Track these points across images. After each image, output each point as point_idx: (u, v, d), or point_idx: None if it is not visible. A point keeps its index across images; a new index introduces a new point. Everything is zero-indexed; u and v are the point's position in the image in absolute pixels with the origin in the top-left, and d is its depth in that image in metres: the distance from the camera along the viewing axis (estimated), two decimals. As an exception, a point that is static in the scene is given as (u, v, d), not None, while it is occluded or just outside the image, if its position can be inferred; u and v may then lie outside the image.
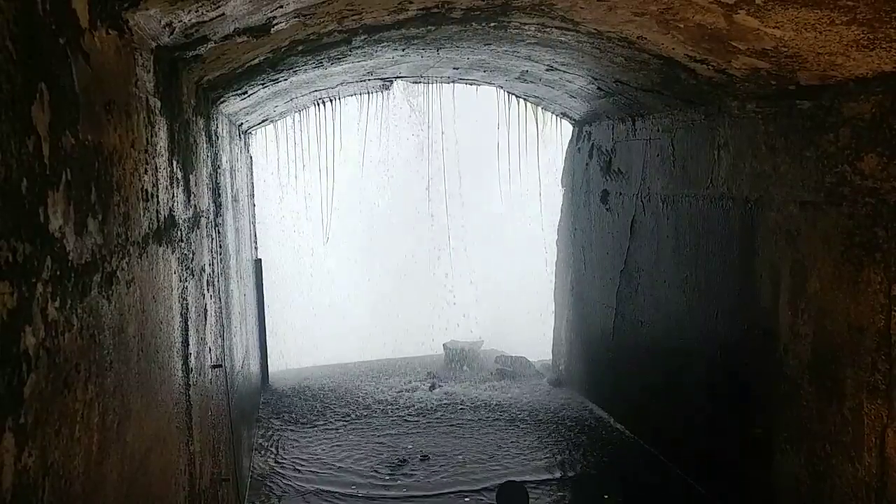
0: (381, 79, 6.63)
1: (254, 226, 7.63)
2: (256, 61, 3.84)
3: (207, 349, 3.59)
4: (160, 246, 2.46)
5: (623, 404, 6.41)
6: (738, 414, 4.58)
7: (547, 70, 5.66)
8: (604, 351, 6.83)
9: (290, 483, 5.47)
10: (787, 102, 3.99)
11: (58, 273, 1.37)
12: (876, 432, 3.38)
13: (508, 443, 6.22)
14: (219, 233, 4.35)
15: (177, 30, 2.46)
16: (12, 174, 1.17)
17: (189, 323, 3.02)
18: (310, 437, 6.42)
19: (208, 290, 3.72)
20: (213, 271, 3.99)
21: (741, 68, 3.91)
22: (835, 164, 3.64)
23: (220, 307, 4.19)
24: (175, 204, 2.81)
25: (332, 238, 8.58)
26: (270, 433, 6.51)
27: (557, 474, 5.59)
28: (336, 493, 5.30)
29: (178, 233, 2.86)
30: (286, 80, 4.92)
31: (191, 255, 3.16)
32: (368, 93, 7.11)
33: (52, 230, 1.35)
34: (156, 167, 2.44)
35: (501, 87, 7.23)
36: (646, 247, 5.88)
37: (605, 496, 5.21)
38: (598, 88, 5.75)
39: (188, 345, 2.98)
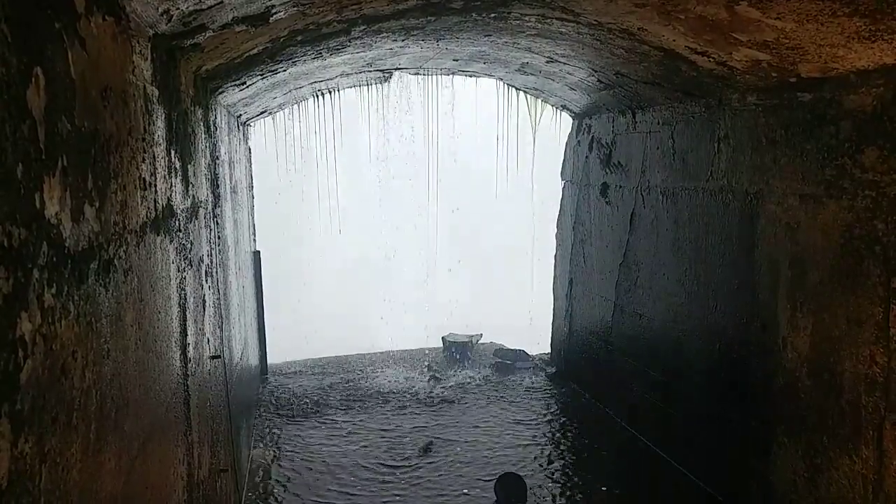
0: (381, 70, 6.60)
1: (253, 217, 7.62)
2: (255, 51, 3.82)
3: (206, 340, 3.58)
4: (158, 235, 2.45)
5: (621, 397, 6.41)
6: (736, 406, 4.59)
7: (547, 62, 5.64)
8: (603, 344, 6.83)
9: (290, 479, 5.47)
10: (787, 95, 3.98)
11: (54, 259, 1.36)
12: (874, 425, 3.38)
13: (507, 436, 6.23)
14: (217, 224, 4.34)
15: (174, 17, 2.45)
16: (7, 158, 1.16)
17: (187, 313, 3.02)
18: (309, 430, 6.42)
19: (207, 280, 3.71)
20: (212, 262, 3.98)
21: (742, 60, 3.89)
22: (835, 157, 3.63)
23: (218, 298, 4.19)
24: (173, 194, 2.80)
25: (328, 229, 8.58)
26: (268, 425, 6.52)
27: (555, 467, 5.61)
28: (337, 486, 5.30)
29: (176, 223, 2.85)
30: (285, 70, 4.90)
31: (189, 246, 3.15)
32: (368, 84, 7.09)
33: (48, 216, 1.34)
34: (153, 156, 2.43)
35: (501, 79, 7.21)
36: (645, 240, 5.87)
37: (604, 488, 5.22)
38: (599, 80, 5.73)
39: (186, 335, 2.97)
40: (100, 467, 1.65)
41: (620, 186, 6.34)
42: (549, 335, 8.56)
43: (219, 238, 4.39)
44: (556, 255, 8.30)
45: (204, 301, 3.57)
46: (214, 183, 4.27)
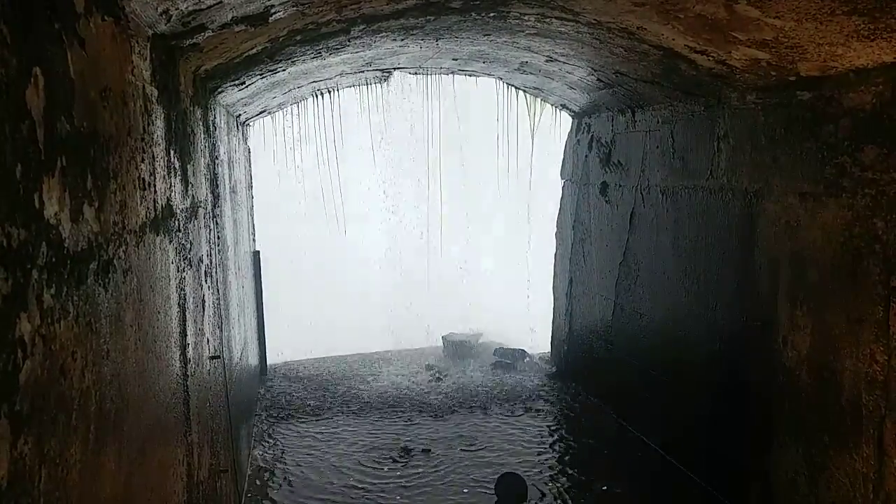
0: (380, 69, 6.60)
1: (252, 217, 7.61)
2: (255, 51, 3.81)
3: (205, 340, 3.58)
4: (157, 235, 2.45)
5: (622, 396, 6.41)
6: (736, 405, 4.59)
7: (546, 61, 5.64)
8: (603, 343, 6.83)
9: (291, 480, 5.47)
10: (787, 93, 3.97)
11: (53, 260, 1.36)
12: (874, 423, 3.38)
13: (508, 434, 6.23)
14: (217, 224, 4.34)
15: (174, 17, 2.44)
16: (6, 159, 1.16)
17: (187, 313, 3.01)
18: (309, 430, 6.42)
19: (206, 280, 3.71)
20: (212, 262, 3.98)
21: (741, 59, 3.89)
22: (835, 156, 3.62)
23: (218, 298, 4.18)
24: (172, 194, 2.80)
25: (329, 229, 8.58)
26: (268, 426, 6.51)
27: (555, 466, 5.61)
28: (338, 487, 5.30)
29: (176, 223, 2.85)
30: (284, 70, 4.90)
31: (188, 246, 3.15)
32: (367, 84, 7.09)
33: (47, 216, 1.34)
34: (153, 156, 2.43)
35: (501, 79, 7.21)
36: (645, 239, 5.87)
37: (604, 487, 5.22)
38: (598, 79, 5.73)
39: (186, 335, 2.97)
40: (99, 468, 1.65)
41: (620, 185, 6.34)
42: (549, 334, 8.56)
43: (218, 238, 4.39)
44: (555, 255, 8.30)
45: (203, 301, 3.56)
46: (214, 183, 4.27)
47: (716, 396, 4.82)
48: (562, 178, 8.01)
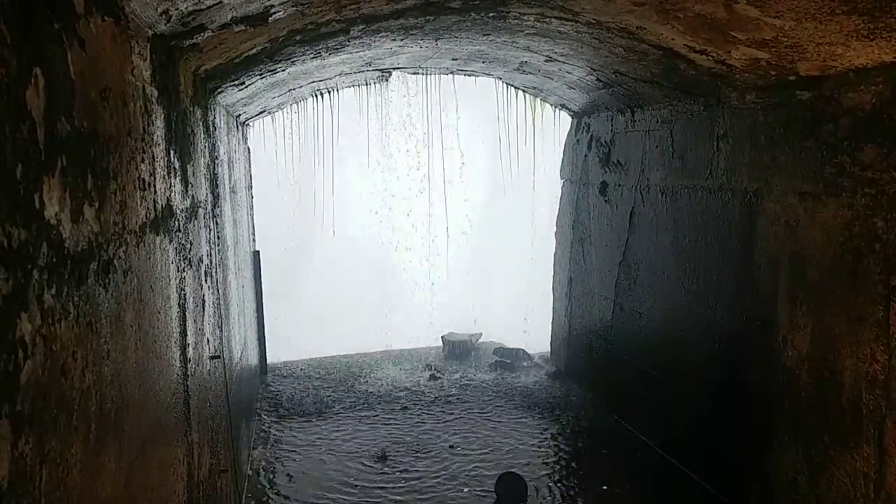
0: (380, 69, 6.60)
1: (252, 217, 7.61)
2: (254, 51, 3.82)
3: (206, 340, 3.58)
4: (157, 235, 2.45)
5: (622, 396, 6.41)
6: (736, 405, 4.59)
7: (546, 61, 5.64)
8: (603, 343, 6.83)
9: (291, 480, 5.47)
10: (786, 93, 3.98)
11: (54, 260, 1.36)
12: (874, 423, 3.39)
13: (507, 436, 6.23)
14: (217, 224, 4.34)
15: (174, 18, 2.44)
16: (7, 159, 1.16)
17: (187, 313, 3.01)
18: (309, 430, 6.42)
19: (206, 280, 3.71)
20: (212, 262, 3.98)
21: (741, 59, 3.89)
22: (834, 155, 3.63)
23: (218, 298, 4.18)
24: (172, 194, 2.80)
25: (329, 228, 8.58)
26: (268, 425, 6.51)
27: (555, 466, 5.61)
28: (338, 486, 5.30)
29: (176, 223, 2.85)
30: (284, 70, 4.90)
31: (188, 246, 3.15)
32: (367, 84, 7.09)
33: (47, 217, 1.34)
34: (153, 156, 2.43)
35: (500, 79, 7.21)
36: (645, 238, 5.87)
37: (604, 487, 5.22)
38: (597, 79, 5.73)
39: (186, 335, 2.97)
40: (100, 468, 1.65)
41: (619, 185, 6.34)
42: (549, 334, 8.56)
43: (218, 238, 4.39)
44: (555, 254, 8.30)
45: (203, 301, 3.56)
46: (213, 183, 4.27)
47: (716, 396, 4.82)
48: (561, 178, 8.02)
